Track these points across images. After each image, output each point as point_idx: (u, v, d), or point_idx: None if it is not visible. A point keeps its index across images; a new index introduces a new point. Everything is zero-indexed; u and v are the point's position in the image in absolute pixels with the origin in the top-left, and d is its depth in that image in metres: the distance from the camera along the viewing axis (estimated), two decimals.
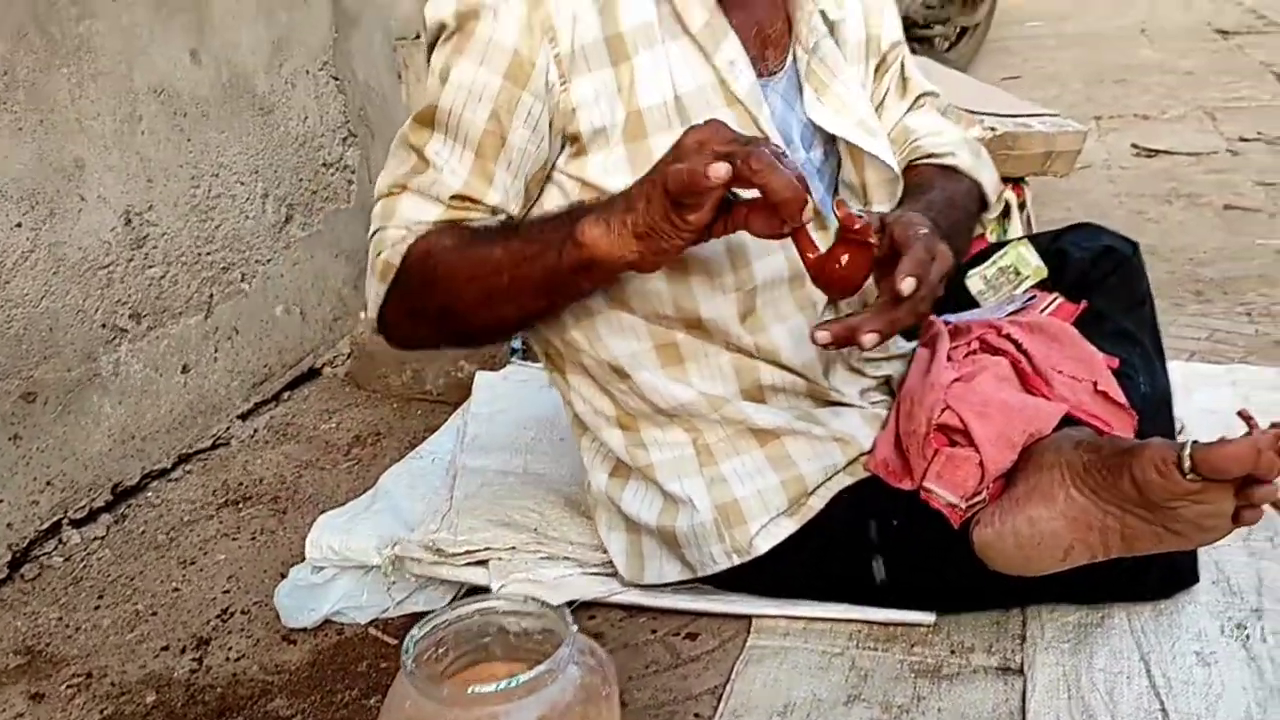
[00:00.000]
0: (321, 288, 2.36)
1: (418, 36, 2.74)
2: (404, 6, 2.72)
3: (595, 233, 1.04)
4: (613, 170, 1.18)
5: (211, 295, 2.04)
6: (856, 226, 1.03)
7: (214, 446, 2.04)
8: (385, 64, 2.63)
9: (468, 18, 1.15)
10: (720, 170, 0.94)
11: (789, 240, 1.06)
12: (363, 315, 2.48)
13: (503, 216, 1.20)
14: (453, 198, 1.18)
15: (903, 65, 1.46)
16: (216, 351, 2.06)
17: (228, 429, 2.07)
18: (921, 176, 1.38)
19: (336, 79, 2.43)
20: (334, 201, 2.41)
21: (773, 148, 0.98)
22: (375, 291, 1.22)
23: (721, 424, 1.30)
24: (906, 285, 1.03)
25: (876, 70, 1.45)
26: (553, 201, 1.22)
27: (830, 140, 1.33)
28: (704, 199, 0.98)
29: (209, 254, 2.03)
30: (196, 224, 2.00)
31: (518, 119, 1.16)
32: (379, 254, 1.20)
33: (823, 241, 1.09)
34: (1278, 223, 2.86)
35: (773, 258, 1.25)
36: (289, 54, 2.27)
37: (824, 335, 1.09)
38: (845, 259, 1.04)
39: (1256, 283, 2.45)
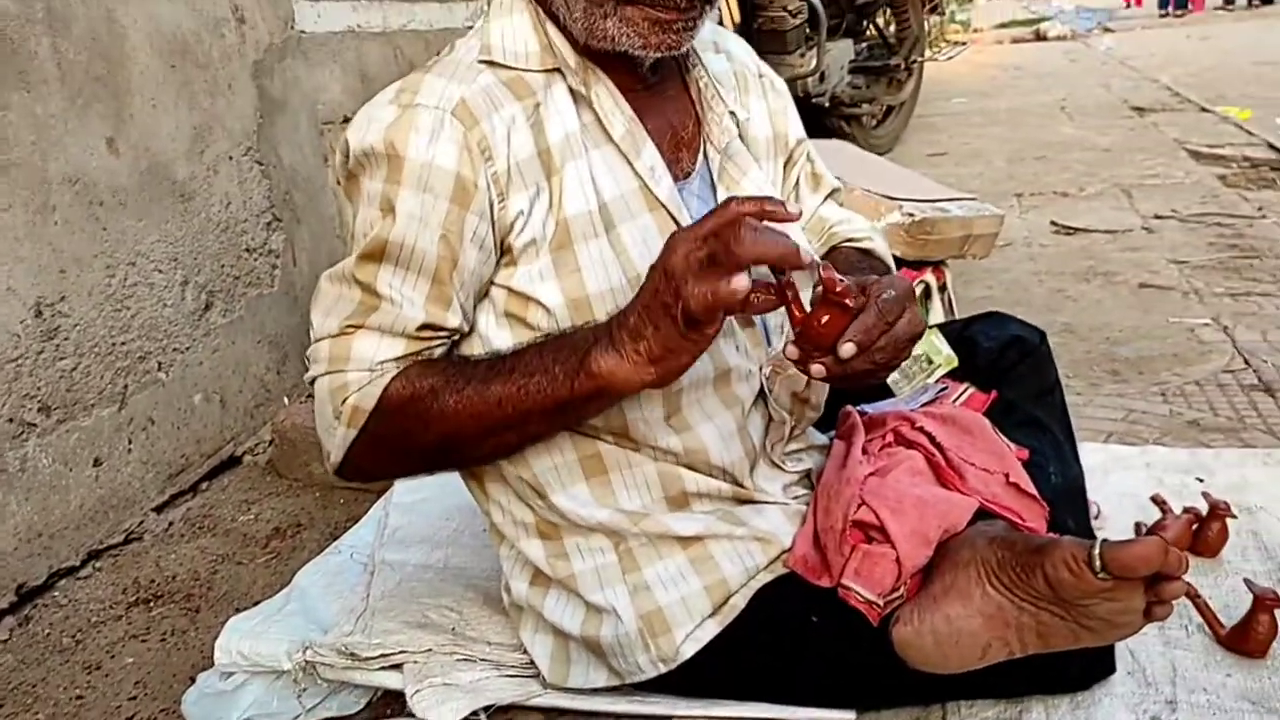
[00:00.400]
0: (243, 374, 2.33)
1: (344, 120, 2.75)
2: (331, 91, 2.73)
3: (608, 364, 1.05)
4: (536, 278, 1.18)
5: (126, 386, 2.00)
6: (838, 289, 1.05)
7: (126, 542, 1.98)
8: (311, 148, 2.63)
9: (401, 144, 1.12)
10: (743, 282, 0.95)
11: (714, 342, 1.07)
12: (286, 401, 2.44)
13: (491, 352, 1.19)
14: (418, 329, 1.16)
15: (812, 161, 1.49)
16: (130, 443, 2.01)
17: (141, 523, 2.02)
18: (848, 258, 1.42)
19: (261, 164, 2.42)
20: (257, 287, 2.38)
21: (729, 212, 0.97)
22: (341, 436, 1.17)
23: (643, 534, 1.29)
24: (845, 350, 1.05)
25: (785, 166, 1.47)
26: (483, 312, 1.21)
27: None
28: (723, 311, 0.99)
29: (124, 344, 1.99)
30: (111, 313, 1.96)
31: (467, 240, 1.15)
32: (343, 400, 1.15)
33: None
34: (1190, 301, 2.94)
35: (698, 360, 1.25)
36: (211, 140, 2.26)
37: (794, 350, 1.10)
38: (825, 319, 1.07)
39: (1170, 362, 2.50)
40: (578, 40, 1.18)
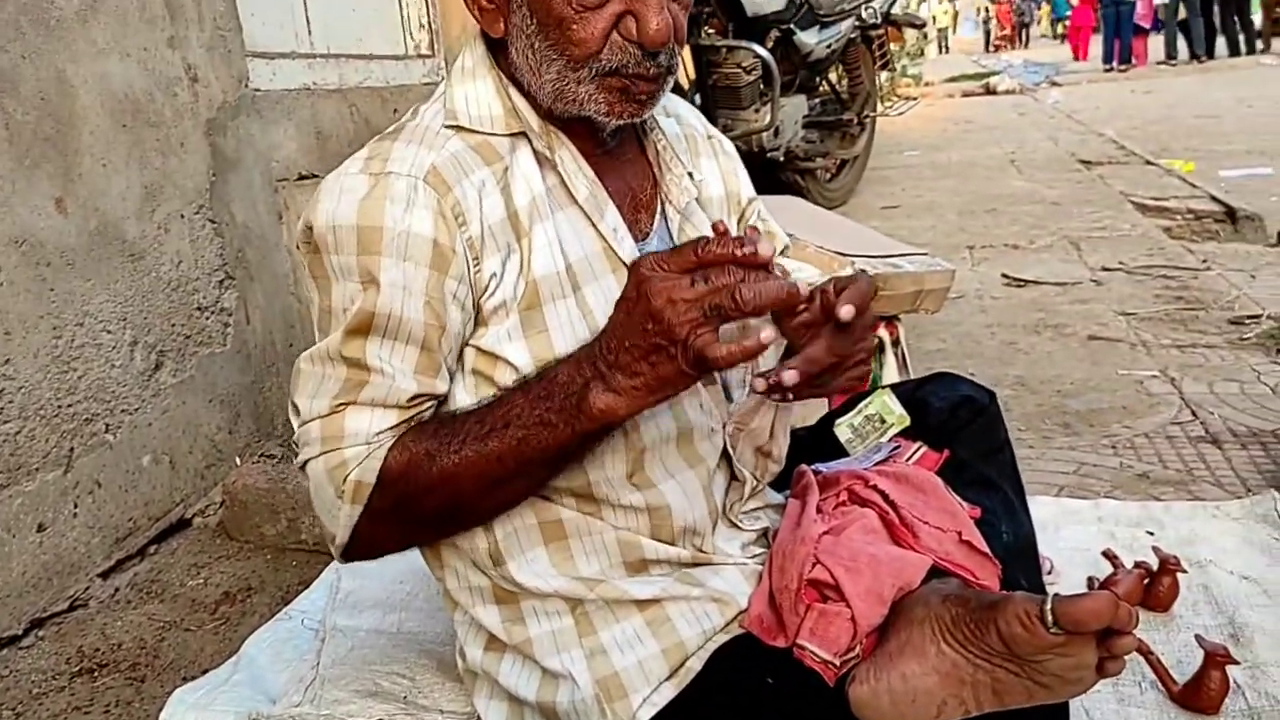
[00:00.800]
0: (194, 435, 2.29)
1: (299, 177, 2.74)
2: (286, 148, 2.72)
3: (607, 402, 1.05)
4: (505, 338, 1.18)
5: (72, 449, 1.96)
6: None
7: (71, 609, 1.94)
8: (265, 204, 2.62)
9: (377, 214, 1.12)
10: (772, 334, 0.97)
11: (675, 401, 1.14)
12: (237, 461, 2.41)
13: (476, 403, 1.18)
14: (410, 400, 1.14)
15: (765, 220, 1.51)
16: (76, 507, 1.97)
17: (86, 589, 1.97)
18: None
19: (213, 221, 2.40)
20: (208, 345, 2.36)
21: (717, 251, 0.99)
22: (346, 515, 1.14)
23: (600, 598, 1.28)
24: (845, 311, 1.10)
25: (738, 223, 1.49)
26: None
27: None
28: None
29: (70, 406, 1.96)
30: (57, 375, 1.93)
31: (450, 305, 1.14)
32: (344, 477, 1.12)
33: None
34: (1139, 353, 2.99)
35: (660, 420, 1.25)
36: (163, 198, 2.24)
37: (760, 382, 1.13)
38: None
39: (1120, 414, 2.54)
40: (541, 105, 1.19)
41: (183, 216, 2.30)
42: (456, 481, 1.11)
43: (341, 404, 1.13)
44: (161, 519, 2.19)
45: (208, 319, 2.36)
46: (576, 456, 1.16)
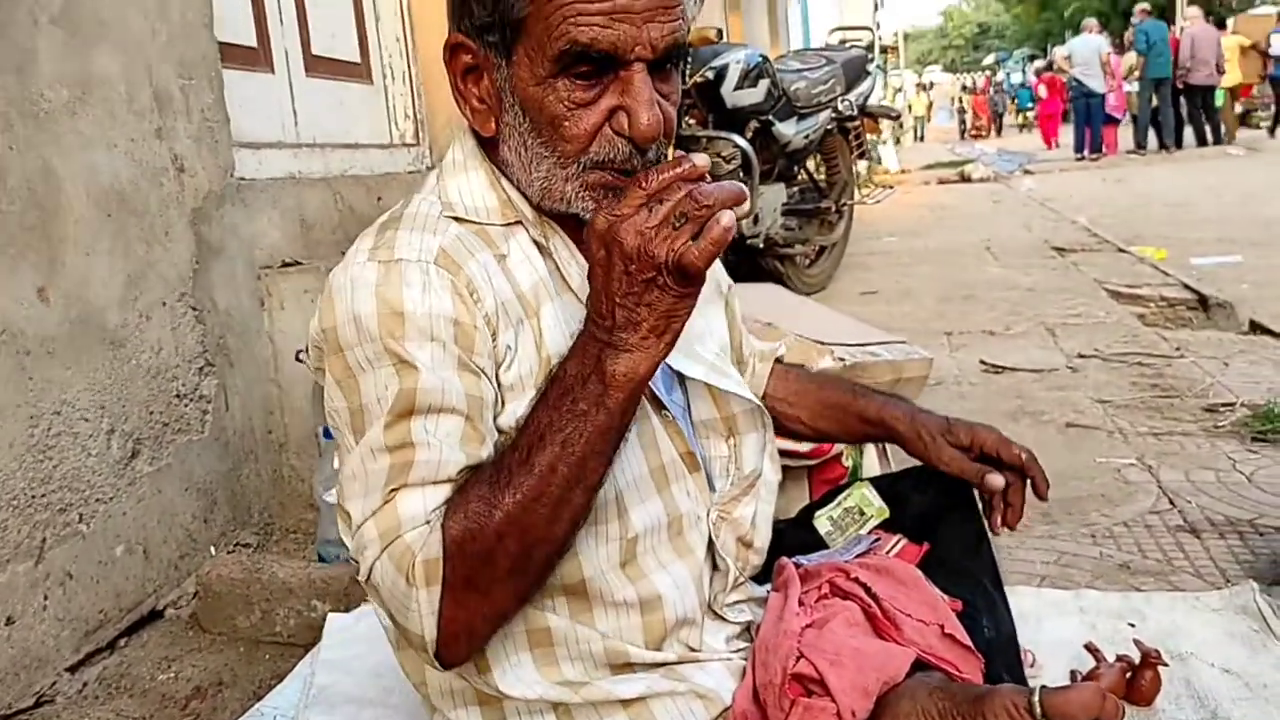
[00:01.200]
0: (168, 524, 2.27)
1: (283, 265, 2.76)
2: (270, 236, 2.75)
3: (627, 364, 1.06)
4: (517, 414, 1.17)
5: (45, 539, 1.94)
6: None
7: (37, 705, 1.90)
8: (248, 292, 2.63)
9: (396, 300, 1.12)
10: (729, 219, 1.01)
11: (665, 485, 1.23)
12: (212, 551, 2.38)
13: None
14: (458, 472, 1.11)
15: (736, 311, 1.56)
16: (46, 599, 1.94)
17: (54, 684, 1.93)
18: (795, 375, 1.63)
19: (195, 309, 2.41)
20: (186, 433, 2.34)
21: (662, 176, 1.04)
22: (426, 602, 1.07)
23: (585, 701, 1.27)
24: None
25: (724, 310, 1.52)
26: None
27: (683, 381, 1.37)
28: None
29: (44, 496, 1.94)
30: (32, 464, 1.92)
31: (481, 376, 1.15)
32: (410, 565, 1.07)
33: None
34: (1116, 441, 3.01)
35: (650, 504, 1.26)
36: (145, 287, 2.25)
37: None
38: None
39: (1099, 502, 2.55)
40: (531, 198, 1.21)
41: (165, 304, 2.31)
42: (523, 516, 1.07)
43: (393, 490, 1.09)
44: (133, 610, 2.15)
45: (186, 406, 2.36)
46: (621, 436, 1.13)
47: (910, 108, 26.97)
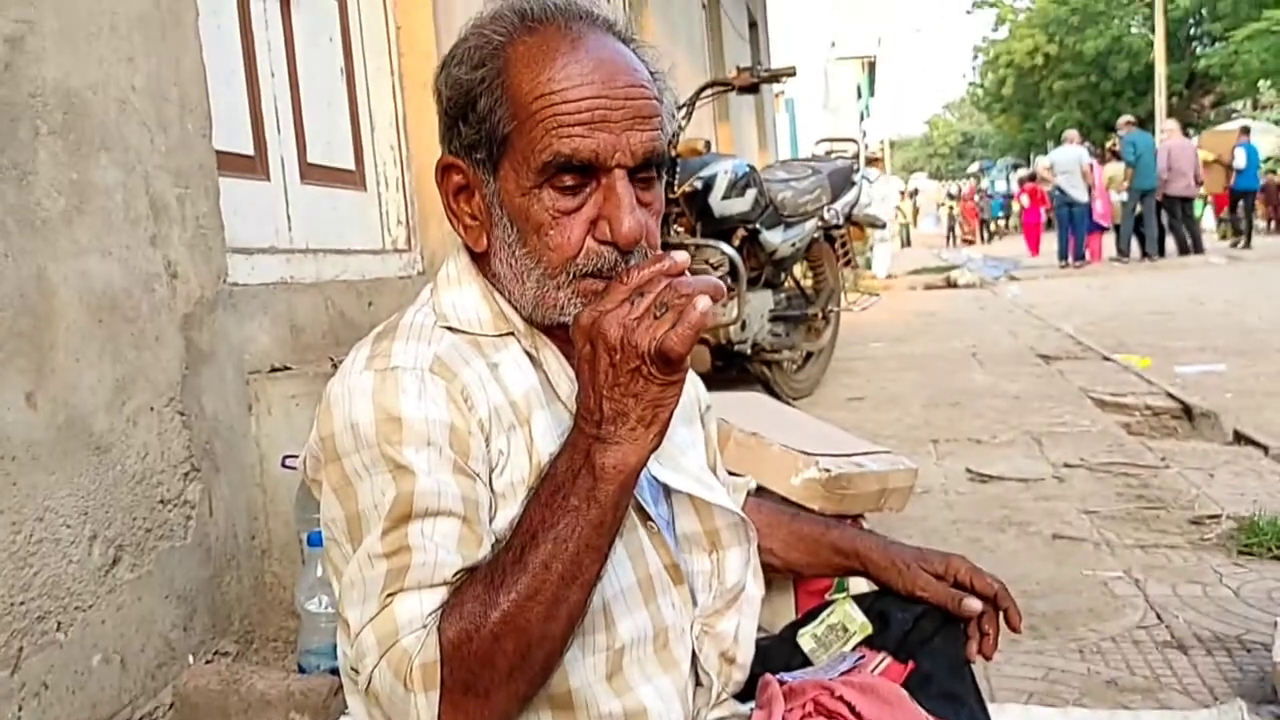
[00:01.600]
0: (147, 632, 2.24)
1: (272, 370, 2.77)
2: (260, 341, 2.77)
3: (617, 457, 1.07)
4: (510, 520, 1.18)
5: (21, 648, 1.91)
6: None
7: None
8: (236, 397, 2.63)
9: (393, 407, 1.14)
10: (705, 303, 1.03)
11: (651, 597, 1.23)
12: (190, 660, 2.34)
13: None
14: (456, 574, 1.11)
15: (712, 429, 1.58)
16: (20, 710, 1.90)
17: None
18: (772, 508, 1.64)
19: (183, 414, 2.41)
20: (169, 540, 2.33)
21: (644, 272, 1.08)
22: (423, 709, 1.06)
23: None
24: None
25: (702, 425, 1.54)
26: None
27: (668, 494, 1.38)
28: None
29: (23, 604, 1.92)
30: (12, 572, 1.90)
31: (477, 480, 1.16)
32: (408, 671, 1.06)
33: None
34: (1103, 553, 3.01)
35: (637, 615, 1.26)
36: (133, 392, 2.26)
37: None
38: None
39: (1087, 617, 2.54)
40: (522, 311, 1.24)
41: (152, 409, 2.31)
42: (519, 616, 1.07)
43: (389, 596, 1.09)
44: None
45: (170, 512, 2.34)
46: (614, 529, 1.13)
47: (899, 213, 27.40)
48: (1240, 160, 17.49)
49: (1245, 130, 18.76)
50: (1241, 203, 18.21)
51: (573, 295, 1.20)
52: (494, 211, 1.23)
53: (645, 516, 1.29)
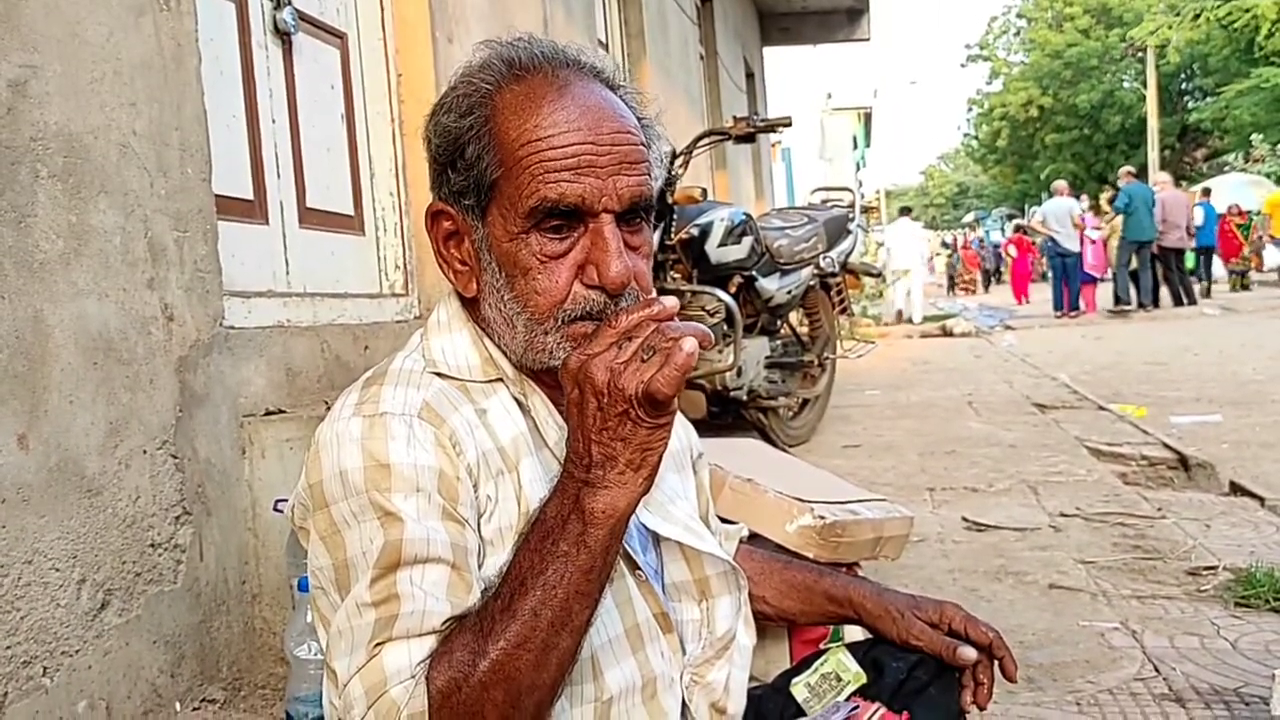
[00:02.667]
0: (134, 678, 2.21)
1: (266, 413, 2.77)
2: (255, 384, 2.76)
3: (606, 501, 1.07)
4: (498, 566, 1.17)
5: (6, 694, 1.89)
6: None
7: None
8: (229, 440, 2.63)
9: (381, 453, 1.14)
10: (691, 345, 1.03)
11: (640, 646, 1.23)
12: (177, 707, 2.32)
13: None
14: (445, 623, 1.10)
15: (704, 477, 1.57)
16: None
17: None
18: (761, 555, 1.60)
19: (175, 457, 2.40)
20: (158, 584, 2.31)
21: (632, 317, 1.08)
22: None
23: None
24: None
25: (693, 473, 1.53)
26: None
27: (657, 542, 1.37)
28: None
29: (9, 648, 1.89)
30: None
31: (466, 525, 1.16)
32: (397, 719, 1.06)
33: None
34: (1099, 604, 2.99)
35: (625, 665, 1.25)
36: (127, 434, 2.25)
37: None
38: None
39: (1083, 668, 2.51)
40: (512, 357, 1.25)
41: (145, 452, 2.30)
42: (508, 664, 1.06)
43: (378, 645, 1.08)
44: None
45: (160, 555, 2.33)
46: (604, 574, 1.12)
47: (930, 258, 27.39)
48: (1199, 218, 18.68)
49: (1206, 191, 21.42)
50: (1201, 257, 19.92)
51: (561, 339, 1.20)
52: (483, 257, 1.24)
53: (633, 565, 1.28)
